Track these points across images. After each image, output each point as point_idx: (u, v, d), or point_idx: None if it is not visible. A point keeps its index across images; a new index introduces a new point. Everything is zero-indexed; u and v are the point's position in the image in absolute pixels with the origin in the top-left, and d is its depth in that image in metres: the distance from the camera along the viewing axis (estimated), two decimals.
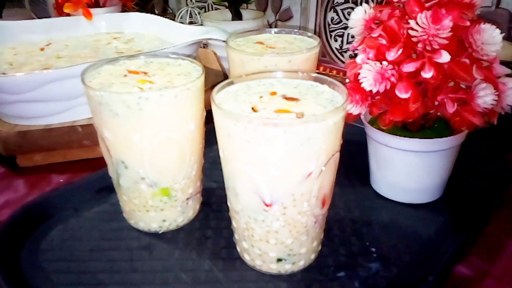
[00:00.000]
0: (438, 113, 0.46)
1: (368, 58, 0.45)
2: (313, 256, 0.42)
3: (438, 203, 0.50)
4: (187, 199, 0.46)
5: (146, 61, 0.47)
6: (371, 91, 0.44)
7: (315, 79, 0.41)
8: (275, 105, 0.37)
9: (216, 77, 0.78)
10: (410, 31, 0.41)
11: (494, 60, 0.43)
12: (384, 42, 0.44)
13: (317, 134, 0.33)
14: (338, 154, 0.37)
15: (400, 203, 0.50)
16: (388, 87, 0.43)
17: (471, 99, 0.43)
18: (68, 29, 0.82)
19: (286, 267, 0.41)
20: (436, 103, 0.44)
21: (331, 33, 0.91)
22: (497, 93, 0.42)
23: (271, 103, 0.37)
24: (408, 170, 0.48)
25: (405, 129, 0.48)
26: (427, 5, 0.42)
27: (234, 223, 0.41)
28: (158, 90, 0.39)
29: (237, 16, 0.95)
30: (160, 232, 0.46)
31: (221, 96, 0.39)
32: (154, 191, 0.43)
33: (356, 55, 0.50)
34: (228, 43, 0.53)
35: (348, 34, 0.88)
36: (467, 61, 0.42)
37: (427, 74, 0.41)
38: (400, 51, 0.42)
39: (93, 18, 0.82)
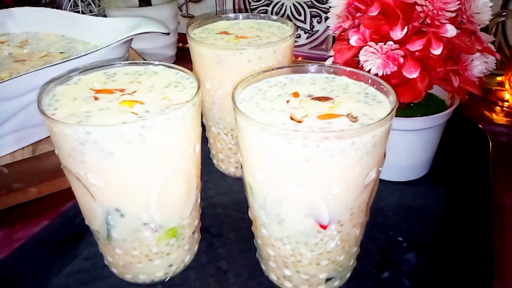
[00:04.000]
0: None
1: (365, 39, 0.41)
2: (352, 263, 0.38)
3: (430, 177, 0.50)
4: (193, 232, 0.38)
5: (107, 73, 0.36)
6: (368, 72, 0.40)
7: (328, 71, 0.36)
8: (312, 109, 0.31)
9: None
10: (417, 7, 0.38)
11: (477, 29, 0.43)
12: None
13: (381, 138, 0.29)
14: None
15: (393, 182, 0.49)
16: (395, 68, 0.40)
17: (466, 69, 0.42)
18: None
19: (335, 284, 0.36)
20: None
21: (253, 11, 0.85)
22: (495, 61, 0.42)
23: (305, 107, 0.31)
24: (404, 148, 0.47)
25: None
26: None
27: (270, 251, 0.35)
28: (163, 113, 0.30)
29: (144, 2, 0.83)
30: (167, 280, 0.38)
31: (247, 108, 0.31)
32: (159, 235, 0.35)
33: (338, 37, 0.46)
34: (193, 38, 0.44)
35: (272, 10, 0.84)
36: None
37: (437, 50, 0.39)
38: (406, 29, 0.39)
39: None
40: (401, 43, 0.40)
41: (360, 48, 0.41)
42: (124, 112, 0.30)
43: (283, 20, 0.49)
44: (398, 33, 0.39)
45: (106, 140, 0.28)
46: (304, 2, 0.80)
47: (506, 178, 0.51)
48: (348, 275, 0.37)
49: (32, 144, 0.49)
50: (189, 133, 0.32)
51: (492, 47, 0.43)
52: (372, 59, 0.40)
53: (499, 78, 0.70)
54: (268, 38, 0.46)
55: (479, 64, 0.42)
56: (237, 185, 0.51)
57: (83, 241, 0.42)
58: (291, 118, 0.30)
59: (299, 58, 0.84)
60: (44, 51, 0.62)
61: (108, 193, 0.31)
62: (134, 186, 0.31)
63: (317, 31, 0.82)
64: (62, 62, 0.47)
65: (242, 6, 0.86)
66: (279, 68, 0.36)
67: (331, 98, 0.33)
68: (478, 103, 0.68)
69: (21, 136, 0.47)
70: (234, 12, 0.86)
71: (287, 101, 0.32)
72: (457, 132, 0.55)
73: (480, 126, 0.56)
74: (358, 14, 0.44)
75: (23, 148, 0.48)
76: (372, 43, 0.40)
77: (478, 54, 0.42)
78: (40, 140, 0.49)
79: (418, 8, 0.38)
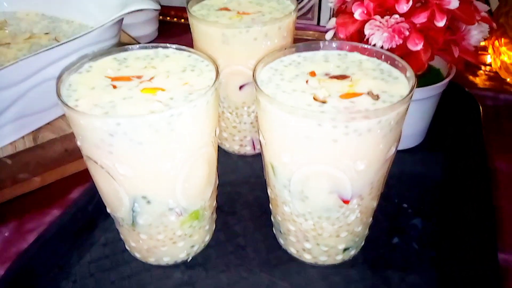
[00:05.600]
0: None
1: (369, 12, 0.42)
2: (367, 232, 0.40)
3: (426, 144, 0.52)
4: (212, 213, 0.39)
5: (117, 58, 0.36)
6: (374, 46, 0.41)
7: (339, 47, 0.37)
8: (332, 88, 0.32)
9: None
10: None
11: None
12: None
13: (403, 114, 0.30)
14: None
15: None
16: (401, 41, 0.41)
17: (463, 39, 0.44)
18: None
19: (351, 253, 0.38)
20: None
21: None
22: (489, 29, 0.43)
23: (325, 86, 0.32)
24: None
25: None
26: None
27: (291, 226, 0.36)
28: (189, 101, 0.30)
29: None
30: (189, 260, 0.39)
31: (268, 90, 0.32)
32: (183, 218, 0.35)
33: (339, 9, 0.47)
34: (195, 16, 0.43)
35: None
36: None
37: (440, 22, 0.40)
38: (411, 2, 0.39)
39: None
40: (405, 15, 0.40)
41: (364, 21, 0.42)
42: (148, 101, 0.30)
43: None
44: (404, 7, 0.39)
45: (136, 131, 0.28)
46: None
47: (496, 141, 0.54)
48: (363, 243, 0.39)
49: (32, 132, 0.47)
50: (212, 118, 0.32)
51: (486, 14, 0.45)
52: (378, 33, 0.40)
53: (482, 43, 0.72)
54: (271, 13, 0.45)
55: (477, 34, 0.44)
56: (242, 162, 0.51)
57: (98, 228, 0.42)
58: (315, 99, 0.31)
59: None
60: (28, 32, 0.59)
61: (135, 182, 0.31)
62: (161, 174, 0.31)
63: (303, 0, 0.82)
64: (58, 46, 0.45)
65: None
66: (290, 46, 0.37)
67: (348, 76, 0.33)
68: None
69: (20, 125, 0.46)
70: None
71: (306, 81, 0.33)
72: (449, 99, 0.57)
73: (469, 92, 0.58)
74: None
75: (23, 137, 0.47)
76: (377, 17, 0.41)
77: (476, 24, 0.43)
78: (39, 128, 0.48)
79: None
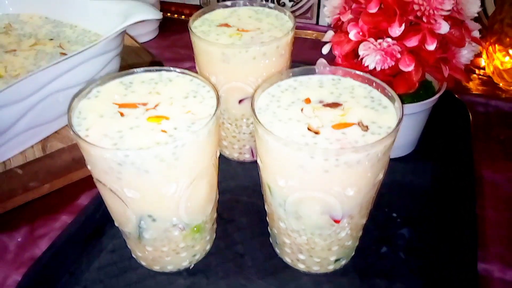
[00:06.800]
0: None
1: (363, 33, 0.43)
2: (357, 243, 0.43)
3: (416, 153, 0.55)
4: (213, 224, 0.42)
5: (123, 82, 0.38)
6: (367, 66, 0.43)
7: (333, 72, 0.39)
8: (325, 117, 0.34)
9: (136, 54, 0.68)
10: (414, 6, 0.40)
11: (466, 19, 0.46)
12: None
13: (390, 145, 0.32)
14: None
15: None
16: (393, 63, 0.42)
17: (454, 57, 0.46)
18: None
19: (342, 263, 0.41)
20: None
21: None
22: (477, 50, 0.45)
23: (319, 116, 0.34)
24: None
25: None
26: None
27: (286, 240, 0.39)
28: (191, 132, 0.32)
29: None
30: (191, 267, 0.42)
31: (265, 118, 0.34)
32: (186, 233, 0.38)
33: (335, 25, 0.48)
34: (196, 35, 0.45)
35: None
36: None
37: (431, 46, 0.42)
38: (403, 27, 0.41)
39: None
40: (398, 38, 0.42)
41: (359, 41, 0.44)
42: (154, 131, 0.32)
43: (280, 8, 0.50)
44: (396, 31, 0.41)
45: (143, 161, 0.30)
46: None
47: (484, 149, 0.56)
48: (353, 253, 0.42)
49: (41, 141, 0.50)
50: (213, 142, 0.34)
51: (478, 34, 0.47)
52: (371, 55, 0.42)
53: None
54: (269, 31, 0.47)
55: (467, 53, 0.45)
56: (241, 169, 0.54)
57: (106, 235, 0.45)
58: (309, 129, 0.33)
59: None
60: (33, 38, 0.61)
61: (142, 203, 0.34)
62: (166, 196, 0.34)
63: None
64: (65, 59, 0.47)
65: None
66: (287, 71, 0.39)
67: (341, 104, 0.36)
68: None
69: (29, 135, 0.48)
70: None
71: (302, 109, 0.35)
72: (440, 106, 0.59)
73: (462, 101, 0.60)
74: (354, 6, 0.45)
75: (33, 146, 0.49)
76: (371, 39, 0.42)
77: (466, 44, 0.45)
78: (47, 137, 0.50)
79: (415, 7, 0.40)
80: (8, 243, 0.46)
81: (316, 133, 0.33)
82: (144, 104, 0.35)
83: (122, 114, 0.34)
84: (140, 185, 0.32)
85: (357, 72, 0.38)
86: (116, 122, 0.33)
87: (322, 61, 0.48)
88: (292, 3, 0.84)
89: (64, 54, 0.56)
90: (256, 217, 0.47)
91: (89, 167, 0.34)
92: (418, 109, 0.48)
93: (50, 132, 0.51)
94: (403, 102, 0.38)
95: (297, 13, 0.85)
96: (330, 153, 0.30)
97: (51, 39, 0.60)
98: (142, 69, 0.39)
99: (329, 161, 0.30)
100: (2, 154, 0.47)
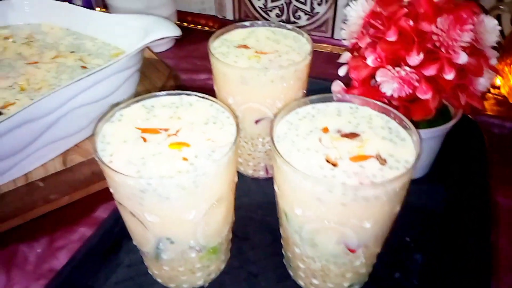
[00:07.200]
0: None
1: (381, 59, 0.44)
2: (370, 270, 0.44)
3: (431, 176, 0.55)
4: (228, 244, 0.43)
5: (145, 106, 0.39)
6: (384, 92, 0.44)
7: (351, 100, 0.39)
8: (343, 148, 0.35)
9: (153, 67, 0.69)
10: (433, 36, 0.41)
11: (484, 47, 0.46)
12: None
13: (407, 180, 0.33)
14: None
15: None
16: (410, 91, 0.43)
17: (471, 84, 0.46)
18: None
19: None
20: None
21: None
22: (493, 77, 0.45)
23: (337, 147, 0.35)
24: None
25: None
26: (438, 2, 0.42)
27: (300, 264, 0.40)
28: (212, 161, 0.33)
29: None
30: (206, 286, 0.43)
31: (284, 147, 0.34)
32: (202, 254, 0.39)
33: (352, 48, 0.49)
34: (216, 57, 0.46)
35: None
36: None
37: (449, 75, 0.42)
38: (421, 55, 0.41)
39: None
40: (415, 67, 0.42)
41: (377, 68, 0.44)
42: (175, 158, 0.33)
43: (298, 30, 0.51)
44: (414, 59, 0.42)
45: (164, 189, 0.31)
46: None
47: (499, 173, 0.56)
48: (366, 279, 0.42)
49: (62, 154, 0.51)
50: (232, 169, 0.35)
51: (496, 62, 0.47)
52: (389, 82, 0.43)
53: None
54: (287, 53, 0.47)
55: (484, 81, 0.46)
56: (256, 186, 0.55)
57: (123, 249, 0.46)
58: (327, 161, 0.33)
59: None
60: (54, 50, 0.62)
61: (161, 227, 0.35)
62: (185, 221, 0.34)
63: (318, 13, 0.83)
64: (87, 76, 0.48)
65: None
66: (305, 98, 0.39)
67: (358, 135, 0.36)
68: None
69: (51, 149, 0.50)
70: None
71: (320, 139, 0.36)
72: (455, 128, 0.59)
73: (476, 122, 0.60)
74: (372, 31, 0.46)
75: (54, 159, 0.50)
76: (389, 67, 0.43)
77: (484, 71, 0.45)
78: (68, 150, 0.52)
79: (434, 37, 0.41)
80: (28, 253, 0.47)
81: (334, 165, 0.33)
82: (166, 130, 0.36)
83: (144, 140, 0.35)
84: (160, 210, 0.33)
85: (375, 101, 0.39)
86: (139, 148, 0.34)
87: (338, 82, 0.49)
88: (307, 16, 0.84)
89: (85, 67, 0.58)
90: (270, 236, 0.47)
91: (111, 190, 0.35)
92: (434, 134, 0.49)
93: (70, 145, 0.52)
94: (418, 126, 0.39)
95: (313, 26, 0.85)
96: (348, 188, 0.31)
97: (72, 52, 0.62)
98: (163, 92, 0.39)
99: (346, 195, 0.31)
100: (24, 167, 0.48)
